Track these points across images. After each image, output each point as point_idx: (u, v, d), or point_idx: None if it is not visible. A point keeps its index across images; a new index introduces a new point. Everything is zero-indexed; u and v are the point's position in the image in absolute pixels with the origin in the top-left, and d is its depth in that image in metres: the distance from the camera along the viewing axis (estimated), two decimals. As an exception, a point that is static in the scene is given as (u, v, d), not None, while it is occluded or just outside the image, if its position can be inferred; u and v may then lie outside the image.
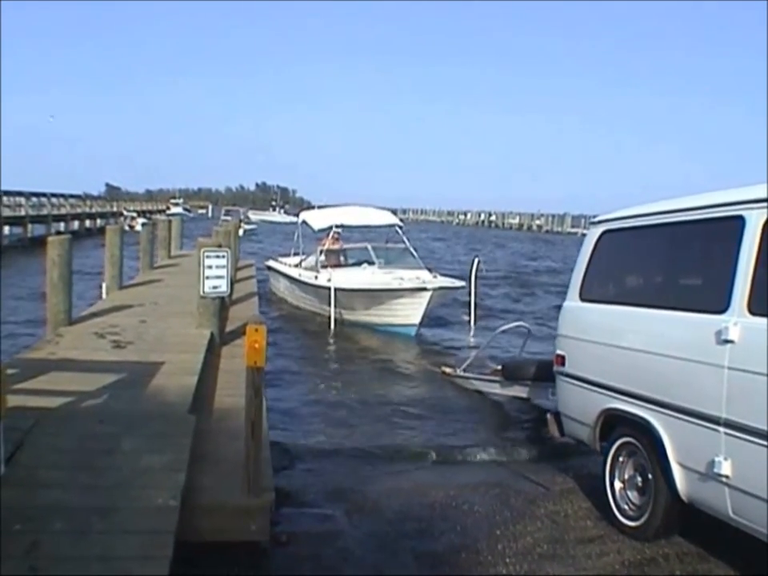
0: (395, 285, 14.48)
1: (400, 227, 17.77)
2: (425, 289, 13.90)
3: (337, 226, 17.33)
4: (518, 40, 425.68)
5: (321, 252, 16.81)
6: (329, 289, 15.01)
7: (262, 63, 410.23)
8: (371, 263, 16.12)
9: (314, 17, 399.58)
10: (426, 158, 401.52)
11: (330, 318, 15.01)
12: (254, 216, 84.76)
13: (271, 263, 20.08)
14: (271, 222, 77.46)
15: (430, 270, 15.78)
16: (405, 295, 14.06)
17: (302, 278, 16.74)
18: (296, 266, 17.92)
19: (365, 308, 14.87)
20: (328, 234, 17.39)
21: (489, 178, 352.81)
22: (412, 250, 16.87)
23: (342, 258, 17.34)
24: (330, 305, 14.99)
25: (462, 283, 15.45)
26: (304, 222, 18.39)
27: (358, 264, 16.42)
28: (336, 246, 17.62)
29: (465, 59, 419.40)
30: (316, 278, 15.97)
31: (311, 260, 17.33)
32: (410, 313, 14.15)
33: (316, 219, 18.14)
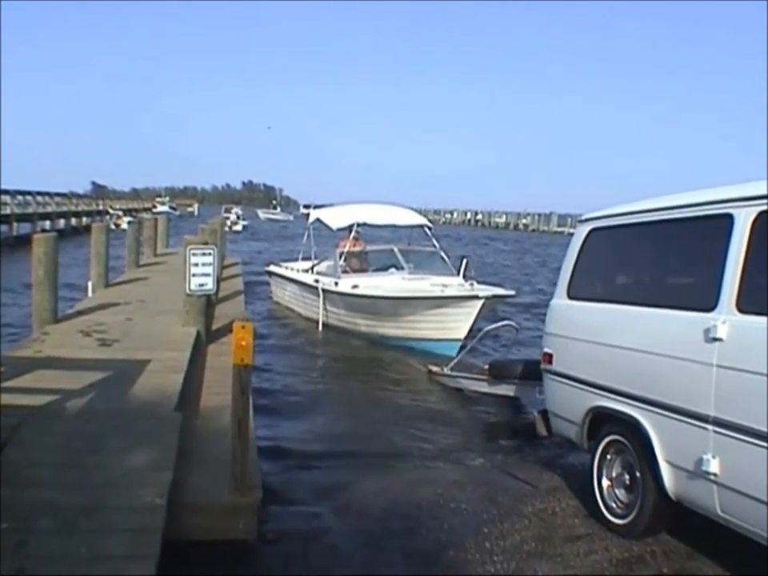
0: (437, 292, 12.35)
1: (429, 228, 15.88)
2: (476, 297, 11.65)
3: (359, 225, 15.19)
4: (511, 42, 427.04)
5: (341, 255, 14.59)
6: (354, 296, 13.27)
7: (252, 65, 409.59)
8: (399, 268, 13.98)
9: (280, 22, 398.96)
10: (412, 158, 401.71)
11: (320, 323, 14.10)
12: (263, 214, 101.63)
13: (273, 268, 18.10)
14: (276, 220, 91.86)
15: (464, 277, 13.46)
16: (450, 305, 11.87)
17: (318, 285, 14.51)
18: (308, 270, 16.00)
19: (397, 319, 12.73)
20: (349, 234, 15.15)
21: (476, 177, 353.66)
22: (443, 253, 14.82)
23: (364, 262, 15.07)
24: (352, 314, 13.62)
25: (513, 292, 13.69)
26: (318, 220, 16.30)
27: (384, 269, 14.22)
28: (358, 248, 15.27)
29: (458, 60, 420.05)
30: (336, 284, 13.87)
31: (327, 264, 15.58)
32: (454, 326, 11.85)
33: (334, 217, 16.01)
